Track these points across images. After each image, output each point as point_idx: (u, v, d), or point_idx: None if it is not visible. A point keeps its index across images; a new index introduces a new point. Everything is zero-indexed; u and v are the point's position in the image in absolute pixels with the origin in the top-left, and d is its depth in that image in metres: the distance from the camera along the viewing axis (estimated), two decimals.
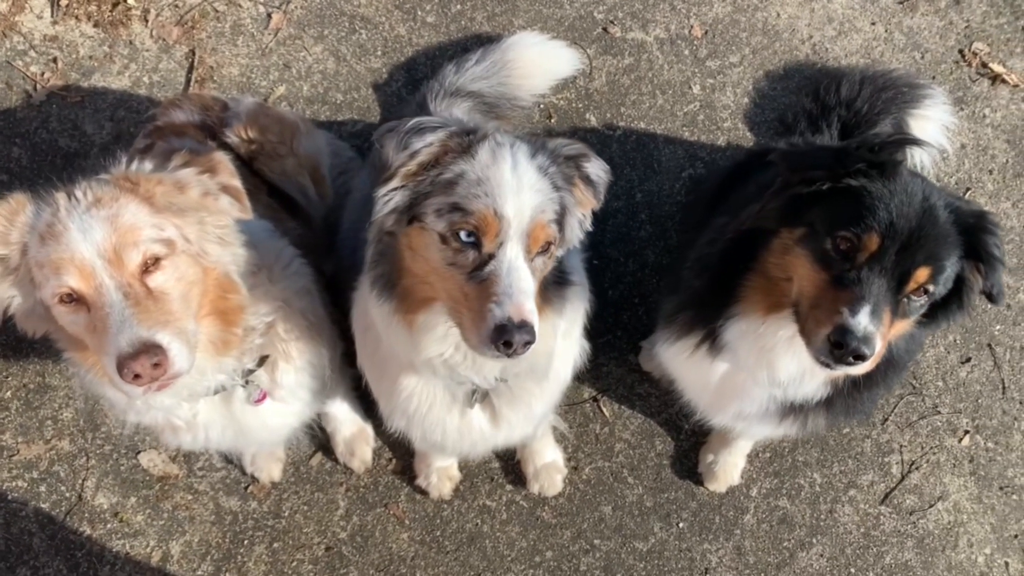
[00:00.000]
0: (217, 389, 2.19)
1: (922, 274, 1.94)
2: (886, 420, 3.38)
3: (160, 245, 1.88)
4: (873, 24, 3.76)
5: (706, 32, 3.73)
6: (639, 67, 3.67)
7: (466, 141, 1.85)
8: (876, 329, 1.87)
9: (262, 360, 2.26)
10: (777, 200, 2.13)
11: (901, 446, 3.36)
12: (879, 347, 1.89)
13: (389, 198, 1.89)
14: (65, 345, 2.01)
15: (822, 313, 1.95)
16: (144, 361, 1.74)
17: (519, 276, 1.78)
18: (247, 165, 2.71)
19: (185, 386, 2.01)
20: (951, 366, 3.43)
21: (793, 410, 2.43)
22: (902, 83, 3.31)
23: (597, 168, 2.00)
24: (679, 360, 2.51)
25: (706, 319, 2.33)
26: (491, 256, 1.79)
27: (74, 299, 1.83)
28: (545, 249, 1.87)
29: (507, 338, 1.72)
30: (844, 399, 2.36)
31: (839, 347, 1.88)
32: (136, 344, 1.74)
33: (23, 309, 1.95)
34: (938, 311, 2.09)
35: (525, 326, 1.73)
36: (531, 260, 1.84)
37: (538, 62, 3.42)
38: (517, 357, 1.77)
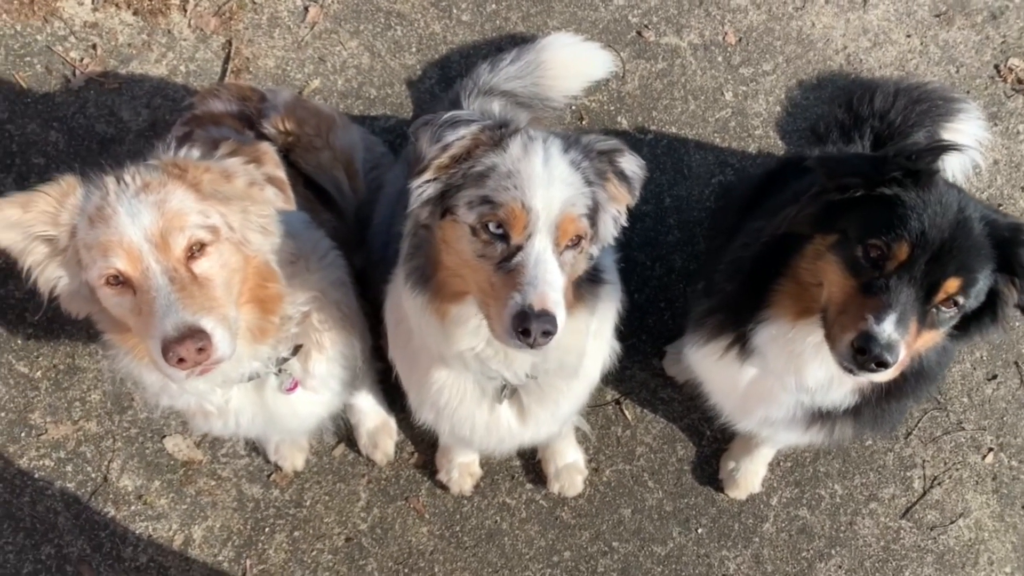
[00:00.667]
0: (251, 376, 2.22)
1: (952, 285, 1.93)
2: (909, 434, 3.36)
3: (205, 231, 1.91)
4: (908, 37, 3.75)
5: (740, 39, 3.72)
6: (672, 72, 3.68)
7: (498, 135, 1.87)
8: (900, 337, 1.87)
9: (296, 349, 2.29)
10: (812, 205, 2.13)
11: (924, 461, 3.34)
12: (902, 356, 1.89)
13: (423, 190, 1.92)
14: (106, 327, 2.04)
15: (848, 319, 1.96)
16: (189, 345, 1.76)
17: (545, 268, 1.79)
18: (284, 156, 2.72)
19: (222, 372, 2.03)
20: (977, 382, 3.41)
21: (820, 417, 2.43)
22: (936, 96, 3.30)
23: (632, 163, 1.99)
24: (708, 363, 2.51)
25: (736, 322, 2.33)
26: (519, 248, 1.81)
27: (120, 281, 1.86)
28: (575, 243, 1.88)
29: (526, 325, 1.74)
30: (872, 409, 2.35)
31: (862, 353, 1.89)
32: (182, 328, 1.77)
33: (68, 290, 1.98)
34: (971, 324, 2.08)
35: (546, 315, 1.74)
36: (560, 253, 1.85)
37: (572, 63, 3.43)
38: (539, 348, 1.78)
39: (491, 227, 1.82)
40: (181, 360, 1.77)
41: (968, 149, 3.24)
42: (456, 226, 1.88)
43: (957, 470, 3.34)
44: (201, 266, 1.90)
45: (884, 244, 1.93)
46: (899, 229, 1.93)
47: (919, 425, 3.36)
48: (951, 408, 3.39)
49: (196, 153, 2.04)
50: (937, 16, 3.77)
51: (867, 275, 1.95)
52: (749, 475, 3.23)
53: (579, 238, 1.88)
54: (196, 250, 1.90)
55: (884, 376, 1.96)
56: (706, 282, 2.80)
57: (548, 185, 1.81)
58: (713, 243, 3.29)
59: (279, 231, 2.09)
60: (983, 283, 1.97)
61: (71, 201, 1.91)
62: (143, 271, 1.83)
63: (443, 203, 1.90)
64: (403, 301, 2.13)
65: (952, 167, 3.25)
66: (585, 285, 2.06)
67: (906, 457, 3.35)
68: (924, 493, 3.32)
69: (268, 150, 2.05)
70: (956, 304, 1.96)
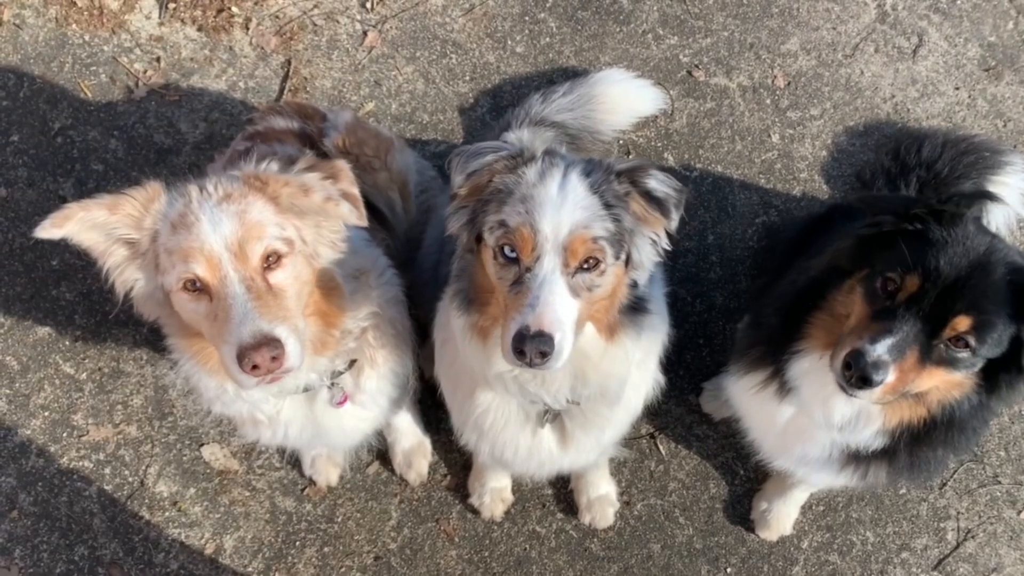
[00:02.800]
0: (306, 387, 2.25)
1: (961, 323, 1.94)
2: (944, 485, 3.34)
3: (281, 243, 1.96)
4: (957, 89, 3.78)
5: (789, 83, 3.77)
6: (720, 112, 3.72)
7: (513, 163, 1.93)
8: (891, 360, 1.92)
9: (351, 364, 2.32)
10: (849, 240, 2.22)
11: (958, 513, 3.32)
12: (890, 379, 1.93)
13: (456, 217, 2.01)
14: (172, 331, 2.09)
15: (850, 340, 2.02)
16: (265, 352, 1.80)
17: (549, 288, 1.83)
18: None
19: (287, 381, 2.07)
20: (1015, 436, 3.39)
21: (855, 459, 2.43)
22: (984, 148, 3.32)
23: (659, 182, 1.95)
24: (747, 396, 2.53)
25: (775, 354, 2.37)
26: (528, 269, 1.86)
27: (198, 287, 1.90)
28: (592, 265, 1.89)
29: (521, 346, 1.78)
30: (905, 455, 2.35)
31: (848, 368, 1.95)
32: (258, 336, 1.81)
33: (144, 292, 2.03)
34: (1000, 375, 2.07)
35: (541, 336, 1.78)
36: (571, 275, 1.87)
37: (623, 99, 3.50)
38: (538, 368, 1.83)
39: (506, 250, 1.88)
40: (255, 367, 1.81)
41: (999, 201, 3.25)
42: (486, 249, 1.96)
43: (991, 524, 3.31)
44: (276, 277, 1.95)
45: (898, 276, 1.99)
46: (914, 263, 1.98)
47: (955, 476, 3.34)
48: (988, 461, 3.37)
49: (275, 167, 2.09)
50: (986, 70, 3.80)
51: (880, 304, 2.02)
52: (781, 516, 3.22)
53: (595, 261, 1.89)
54: (272, 261, 1.95)
55: (869, 396, 2.00)
56: (752, 317, 2.83)
57: (559, 208, 1.85)
58: (757, 282, 3.32)
59: (347, 246, 2.13)
60: (1002, 329, 1.96)
61: (155, 207, 1.97)
62: (221, 278, 1.88)
63: (474, 228, 1.98)
64: (450, 321, 2.18)
65: (997, 220, 3.27)
66: (627, 312, 2.08)
67: (940, 508, 3.32)
68: (957, 546, 3.29)
69: (344, 167, 2.09)
70: (968, 345, 1.96)
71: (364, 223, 2.08)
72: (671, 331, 2.42)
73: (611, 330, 2.07)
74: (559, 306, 1.83)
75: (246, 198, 1.95)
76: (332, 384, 2.32)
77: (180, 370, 2.20)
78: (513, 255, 1.87)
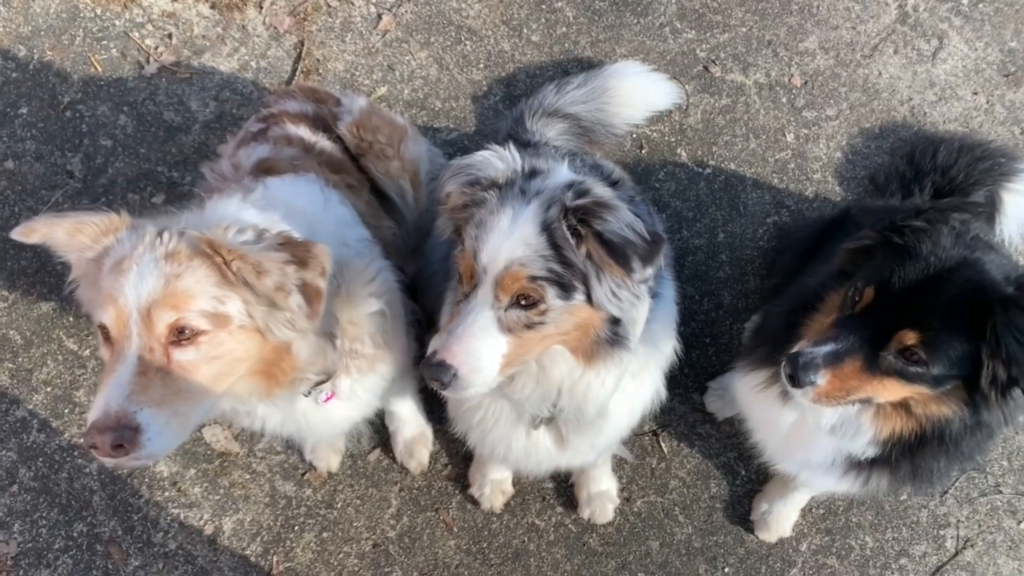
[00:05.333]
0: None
1: (907, 337, 1.94)
2: (945, 493, 3.33)
3: (205, 320, 1.81)
4: (975, 94, 3.74)
5: (805, 82, 3.73)
6: (735, 109, 3.69)
7: (476, 191, 1.93)
8: (824, 365, 1.97)
9: (329, 376, 2.23)
10: (841, 252, 2.25)
11: (958, 521, 3.31)
12: (820, 382, 1.98)
13: (444, 225, 2.06)
14: None
15: (807, 340, 2.09)
16: (107, 437, 1.68)
17: (470, 320, 1.84)
18: (355, 161, 2.77)
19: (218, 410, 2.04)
20: (1018, 447, 3.38)
21: (857, 466, 2.43)
22: (1000, 154, 3.28)
23: (618, 227, 1.78)
24: (751, 396, 2.53)
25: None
26: (466, 295, 1.88)
27: (108, 336, 1.82)
28: (529, 304, 1.84)
29: (423, 368, 1.84)
30: (908, 464, 2.34)
31: (783, 366, 2.04)
32: (110, 418, 1.69)
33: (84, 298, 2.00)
34: (975, 393, 2.02)
35: (442, 366, 1.81)
36: (504, 310, 1.85)
37: (638, 92, 3.46)
38: (444, 391, 1.86)
39: (460, 270, 1.91)
40: (94, 446, 1.69)
41: (974, 208, 3.18)
42: None
43: (991, 533, 3.31)
44: (184, 355, 1.79)
45: (860, 288, 2.03)
46: (872, 275, 2.02)
47: (956, 485, 3.33)
48: (990, 470, 3.36)
49: (245, 236, 1.90)
50: (1006, 76, 3.76)
51: (845, 312, 2.07)
52: (781, 519, 3.21)
53: (530, 299, 1.83)
54: (185, 336, 1.79)
55: (806, 394, 2.03)
56: (762, 316, 2.83)
57: (503, 240, 1.82)
58: (768, 282, 3.30)
59: (313, 330, 1.99)
60: (957, 346, 1.93)
61: (107, 240, 1.89)
62: (124, 338, 1.76)
63: (460, 239, 1.99)
64: None
65: (1009, 228, 3.24)
66: (603, 345, 2.00)
67: (940, 516, 3.32)
68: (956, 554, 3.29)
69: (323, 255, 1.91)
70: (922, 359, 1.95)
71: (314, 321, 1.91)
72: (679, 345, 2.40)
73: (588, 358, 2.03)
74: (476, 340, 1.84)
75: (190, 261, 1.81)
76: (309, 392, 2.25)
77: None
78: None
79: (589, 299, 1.88)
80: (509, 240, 1.82)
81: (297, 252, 1.90)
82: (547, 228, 1.82)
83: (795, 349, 2.03)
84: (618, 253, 1.78)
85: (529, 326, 1.87)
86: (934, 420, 2.13)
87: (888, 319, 1.97)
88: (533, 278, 1.81)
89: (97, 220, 1.90)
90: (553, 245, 1.82)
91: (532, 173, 1.95)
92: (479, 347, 1.84)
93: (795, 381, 2.01)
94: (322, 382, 2.22)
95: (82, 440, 1.77)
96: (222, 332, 1.83)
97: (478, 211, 1.90)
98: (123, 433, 1.68)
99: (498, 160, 1.97)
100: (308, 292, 1.88)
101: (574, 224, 1.81)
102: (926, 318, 1.94)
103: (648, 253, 1.80)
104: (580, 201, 1.82)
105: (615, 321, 1.96)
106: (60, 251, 1.95)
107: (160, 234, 1.86)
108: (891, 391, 2.06)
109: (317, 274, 1.89)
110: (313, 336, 2.04)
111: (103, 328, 1.82)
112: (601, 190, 1.90)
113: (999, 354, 1.87)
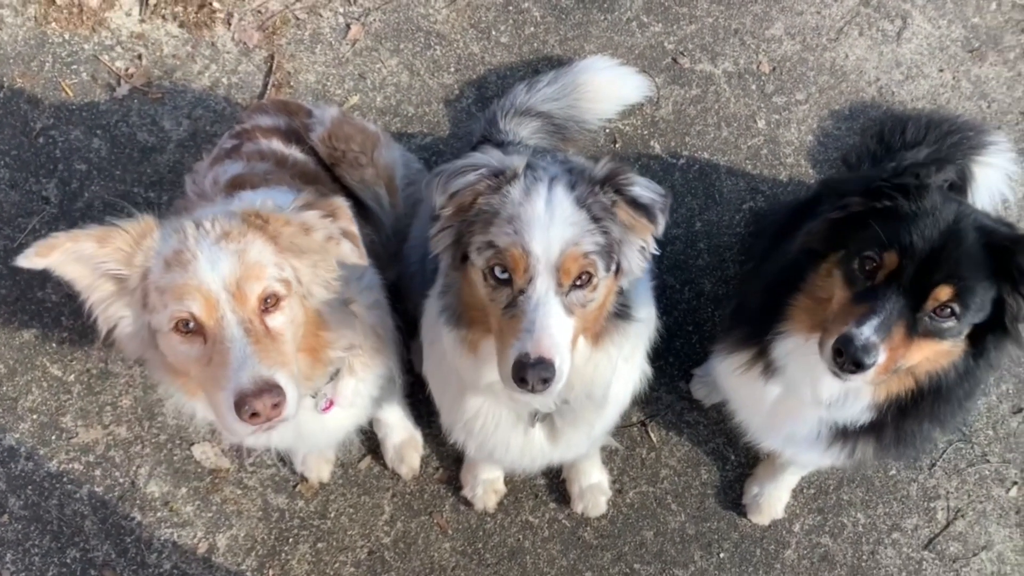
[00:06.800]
0: None
1: (943, 292, 1.96)
2: (934, 465, 3.36)
3: (280, 285, 1.89)
4: (941, 71, 3.79)
5: (774, 68, 3.77)
6: (706, 98, 3.72)
7: (497, 182, 1.90)
8: (880, 340, 1.93)
9: (334, 373, 2.29)
10: (821, 224, 2.23)
11: (948, 492, 3.34)
12: (882, 359, 1.94)
13: (440, 238, 1.99)
14: (157, 370, 2.03)
15: (835, 326, 2.03)
16: (267, 399, 1.73)
17: (545, 312, 1.80)
18: (329, 170, 2.78)
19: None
20: (1003, 415, 3.41)
21: (842, 436, 2.45)
22: (967, 128, 3.33)
23: (643, 188, 1.92)
24: (733, 377, 2.54)
25: (758, 335, 2.39)
26: (521, 291, 1.83)
27: (191, 328, 1.82)
28: (585, 282, 1.87)
29: (522, 375, 1.76)
30: (892, 429, 2.37)
31: (840, 355, 1.95)
32: (259, 382, 1.74)
33: (128, 331, 1.95)
34: (986, 337, 2.09)
35: (542, 363, 1.76)
36: (565, 294, 1.85)
37: (608, 87, 3.48)
38: (539, 393, 1.80)
39: (497, 272, 1.85)
40: (255, 415, 1.73)
41: (948, 166, 3.23)
42: (473, 270, 1.93)
43: (981, 503, 3.34)
44: (275, 320, 1.88)
45: (876, 255, 2.01)
46: (890, 240, 2.00)
47: (944, 456, 3.36)
48: (976, 440, 3.39)
49: (271, 204, 2.00)
50: (970, 52, 3.81)
51: (860, 285, 2.04)
52: (772, 501, 3.23)
53: (588, 276, 1.87)
54: (270, 303, 1.88)
55: (863, 378, 2.00)
56: (738, 300, 2.85)
57: (548, 227, 1.82)
58: (744, 267, 3.32)
59: (341, 284, 2.07)
60: (982, 293, 1.98)
61: (147, 243, 1.88)
62: (218, 320, 1.80)
63: (459, 248, 1.95)
64: (439, 330, 2.17)
65: (981, 200, 3.28)
66: (612, 320, 2.06)
67: (930, 488, 3.35)
68: (947, 525, 3.32)
69: (342, 204, 2.01)
70: (954, 313, 1.98)
71: (364, 262, 2.02)
72: (659, 323, 2.42)
73: (597, 337, 2.06)
74: (556, 329, 1.81)
75: (245, 236, 1.88)
76: (315, 394, 2.28)
77: (171, 400, 2.16)
78: (504, 276, 1.84)
79: (612, 271, 1.94)
80: (556, 223, 1.82)
81: (325, 207, 2.00)
82: (583, 204, 1.86)
83: (838, 335, 1.96)
84: (649, 212, 1.91)
85: (583, 305, 1.89)
86: (932, 375, 2.16)
87: (918, 280, 1.96)
88: (587, 254, 1.84)
89: (128, 225, 1.91)
90: (594, 218, 1.86)
91: (530, 165, 1.97)
92: (561, 335, 1.82)
93: (859, 366, 1.94)
94: (331, 378, 2.27)
95: (232, 418, 1.77)
96: (290, 297, 1.93)
97: (497, 206, 1.87)
98: (276, 391, 1.76)
99: (493, 159, 1.96)
100: (350, 238, 2.00)
101: (610, 195, 1.89)
102: (958, 269, 1.96)
103: (664, 206, 1.94)
104: (604, 172, 1.90)
105: (620, 291, 2.03)
106: (90, 262, 1.88)
107: (201, 222, 1.90)
108: (923, 352, 2.06)
109: (349, 221, 2.01)
110: (338, 304, 2.12)
111: (183, 323, 1.82)
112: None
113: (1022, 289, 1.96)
